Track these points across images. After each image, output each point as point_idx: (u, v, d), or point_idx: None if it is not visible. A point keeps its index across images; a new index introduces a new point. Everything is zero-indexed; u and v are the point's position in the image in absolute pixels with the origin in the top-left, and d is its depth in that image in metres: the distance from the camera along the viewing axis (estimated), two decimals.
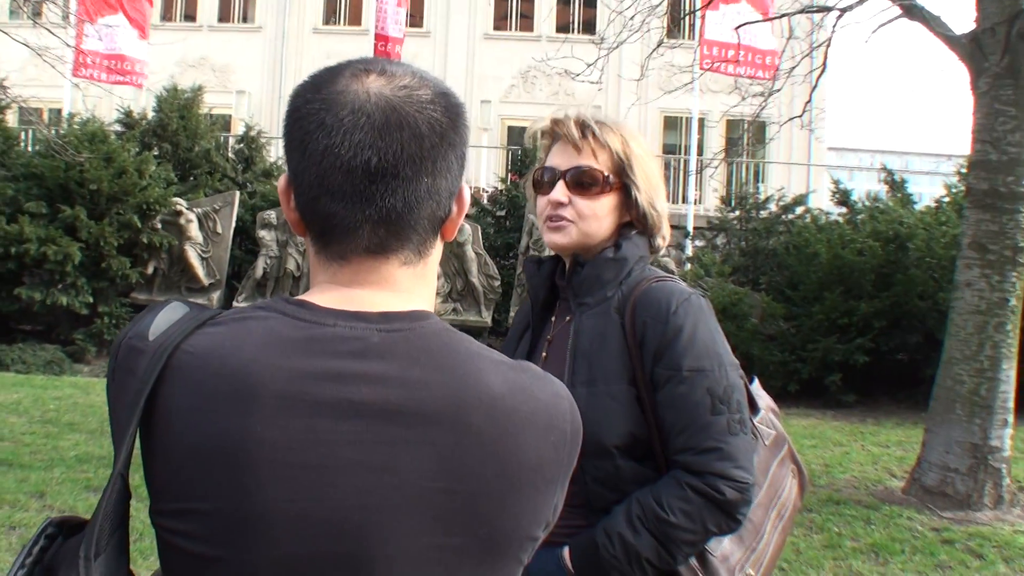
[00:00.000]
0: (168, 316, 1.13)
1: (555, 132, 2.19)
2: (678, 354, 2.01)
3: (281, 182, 1.20)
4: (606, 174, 2.12)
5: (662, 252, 2.26)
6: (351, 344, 1.09)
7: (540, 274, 2.27)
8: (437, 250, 1.22)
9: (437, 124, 1.14)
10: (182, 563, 1.08)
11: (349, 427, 1.06)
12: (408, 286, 1.17)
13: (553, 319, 2.25)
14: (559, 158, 2.17)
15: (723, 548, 2.07)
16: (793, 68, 9.96)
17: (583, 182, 2.12)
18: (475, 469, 1.08)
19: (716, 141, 21.12)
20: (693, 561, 2.03)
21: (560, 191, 2.13)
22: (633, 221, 2.17)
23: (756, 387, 2.32)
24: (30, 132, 17.33)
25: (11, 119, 16.12)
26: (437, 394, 1.08)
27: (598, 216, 2.13)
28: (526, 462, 1.11)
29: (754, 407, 2.23)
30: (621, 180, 2.13)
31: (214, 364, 1.07)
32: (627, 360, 2.05)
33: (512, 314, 13.21)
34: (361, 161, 1.10)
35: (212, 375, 1.06)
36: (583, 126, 2.13)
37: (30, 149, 15.56)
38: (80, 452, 7.65)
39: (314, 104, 1.13)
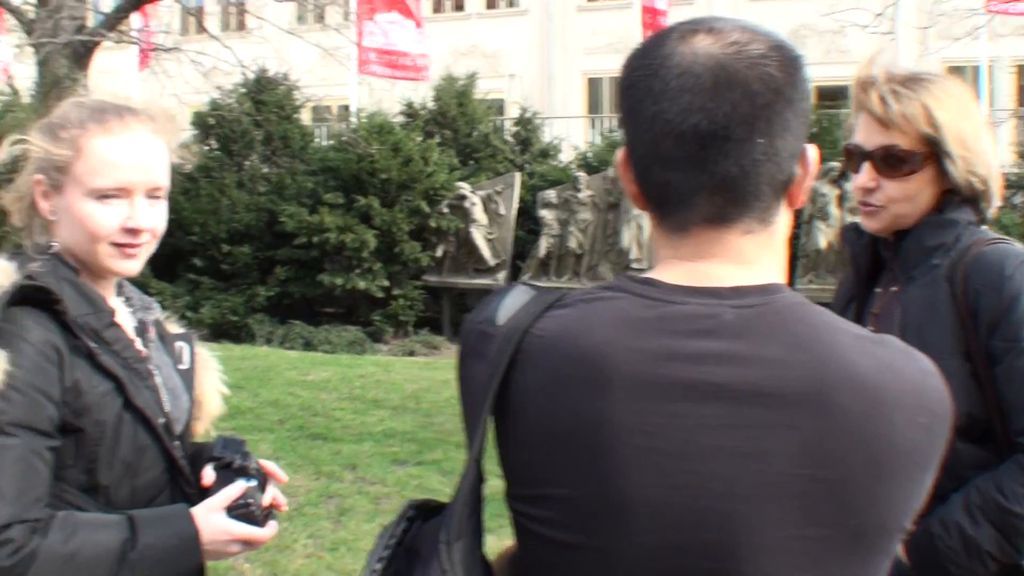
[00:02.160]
0: (515, 300, 1.12)
1: (859, 101, 2.00)
2: (1016, 324, 1.82)
3: (619, 155, 1.16)
4: (914, 152, 1.93)
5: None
6: (704, 322, 1.04)
7: (860, 243, 2.12)
8: (784, 218, 1.13)
9: (771, 80, 1.05)
10: (540, 548, 1.08)
11: (709, 411, 1.00)
12: (754, 257, 1.10)
13: (878, 290, 2.08)
14: (864, 133, 2.00)
15: None
16: None
17: (890, 163, 1.95)
18: (842, 455, 1.00)
19: (1008, 90, 19.48)
20: None
21: (866, 175, 1.98)
22: (955, 190, 1.96)
23: None
24: (323, 128, 18.47)
25: (305, 117, 17.22)
26: (798, 373, 1.00)
27: (910, 197, 1.96)
28: (897, 446, 1.02)
29: None
30: (932, 152, 1.93)
31: (565, 347, 1.05)
32: (960, 332, 1.88)
33: (798, 286, 12.77)
34: (690, 125, 1.04)
35: (564, 358, 1.04)
36: (882, 98, 1.94)
37: (324, 144, 16.57)
38: (385, 427, 8.05)
39: (641, 71, 1.08)
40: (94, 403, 1.64)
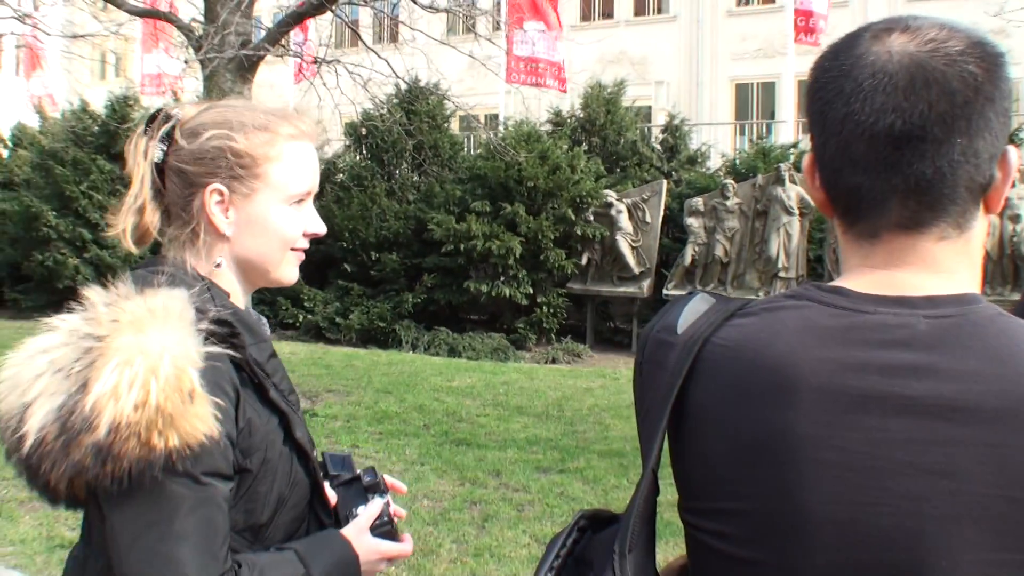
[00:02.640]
0: (695, 308, 1.10)
1: None
2: None
3: (806, 160, 1.13)
4: None
5: None
6: (896, 332, 0.99)
7: None
8: (981, 223, 1.07)
9: (971, 77, 1.00)
10: (716, 563, 1.05)
11: (900, 425, 0.96)
12: (950, 265, 1.05)
13: None
14: None
15: None
16: None
17: None
18: None
19: None
20: None
21: None
22: None
23: None
24: (471, 137, 18.73)
25: (455, 127, 17.50)
26: (996, 388, 0.95)
27: None
28: None
29: None
30: None
31: (748, 356, 1.02)
32: None
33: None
34: (884, 126, 1.00)
35: (747, 368, 1.02)
36: None
37: (472, 153, 16.80)
38: (529, 434, 8.10)
39: (832, 72, 1.05)
40: (262, 441, 1.57)
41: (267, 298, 14.29)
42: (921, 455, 0.95)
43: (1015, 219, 11.25)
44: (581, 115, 16.22)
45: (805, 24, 16.78)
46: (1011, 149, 1.06)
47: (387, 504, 1.79)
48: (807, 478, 0.97)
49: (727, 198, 13.32)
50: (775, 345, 1.01)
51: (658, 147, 16.36)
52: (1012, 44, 19.70)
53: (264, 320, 1.78)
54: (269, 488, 1.59)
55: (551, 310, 13.73)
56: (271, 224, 1.68)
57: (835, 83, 1.04)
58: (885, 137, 1.01)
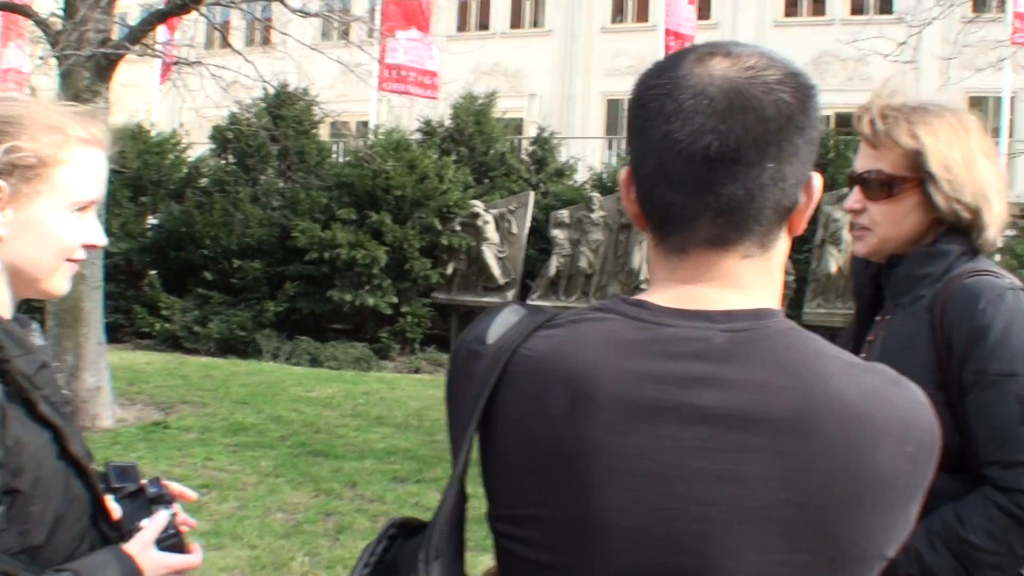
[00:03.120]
0: (506, 319, 1.11)
1: (857, 126, 2.02)
2: (984, 356, 1.80)
3: (623, 173, 1.14)
4: (897, 175, 1.93)
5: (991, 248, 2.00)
6: (693, 345, 1.02)
7: (866, 272, 2.13)
8: (783, 243, 1.11)
9: (785, 106, 1.04)
10: (519, 568, 1.07)
11: (692, 433, 0.99)
12: (751, 282, 1.08)
13: (877, 319, 2.09)
14: (859, 158, 2.02)
15: None
16: None
17: (874, 186, 1.97)
18: (824, 482, 0.98)
19: None
20: None
21: (854, 198, 2.01)
22: (943, 218, 1.95)
23: None
24: (340, 144, 18.56)
25: (323, 133, 17.30)
26: (785, 399, 0.99)
27: (893, 220, 1.97)
28: (880, 475, 1.00)
29: None
30: (918, 177, 1.92)
31: (553, 367, 1.04)
32: (936, 363, 1.86)
33: (806, 310, 12.75)
34: (700, 147, 1.03)
35: (550, 378, 1.03)
36: (871, 120, 1.96)
37: (340, 160, 16.64)
38: (388, 445, 8.05)
39: (656, 90, 1.07)
40: (32, 459, 1.47)
41: (123, 306, 13.84)
42: (711, 462, 0.98)
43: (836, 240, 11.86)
44: (451, 125, 16.26)
45: (677, 44, 17.21)
46: (815, 175, 1.10)
47: (173, 515, 1.73)
48: (603, 485, 0.99)
49: (592, 211, 13.53)
50: (578, 356, 1.03)
51: (527, 159, 16.51)
52: (870, 71, 20.59)
53: (35, 327, 1.68)
54: (44, 507, 1.50)
55: (415, 320, 13.69)
56: (51, 229, 1.57)
57: (657, 101, 1.06)
58: (701, 158, 1.03)
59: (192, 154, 16.61)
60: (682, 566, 0.99)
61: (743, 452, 0.98)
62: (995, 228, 1.96)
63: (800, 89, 1.06)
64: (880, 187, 1.96)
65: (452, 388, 1.12)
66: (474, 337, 1.11)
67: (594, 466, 1.00)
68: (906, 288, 1.98)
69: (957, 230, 1.95)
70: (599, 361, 1.02)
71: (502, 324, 1.10)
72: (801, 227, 1.12)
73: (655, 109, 1.06)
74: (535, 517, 1.04)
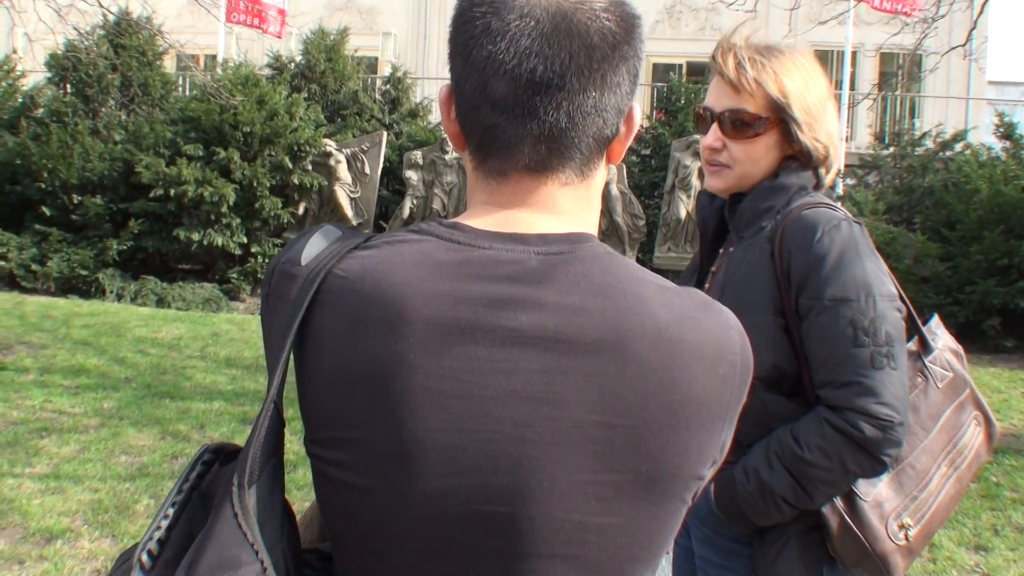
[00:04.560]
0: (321, 240, 1.09)
1: (717, 66, 2.08)
2: (820, 283, 1.91)
3: (442, 91, 1.13)
4: (761, 116, 2.02)
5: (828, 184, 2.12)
6: (507, 267, 1.03)
7: (711, 207, 2.23)
8: (601, 172, 1.14)
9: (610, 34, 1.05)
10: (335, 493, 1.05)
11: (505, 355, 1.00)
12: (569, 208, 1.10)
13: (721, 251, 2.19)
14: (715, 97, 2.09)
15: (877, 493, 1.97)
16: None
17: (736, 125, 2.04)
18: (637, 402, 1.01)
19: (869, 75, 20.23)
20: (839, 503, 1.94)
21: (714, 135, 2.07)
22: (796, 155, 2.07)
23: (935, 325, 2.19)
24: (186, 78, 17.90)
25: (169, 65, 16.66)
26: (598, 321, 1.01)
27: (754, 159, 2.06)
28: (692, 396, 1.03)
29: (926, 346, 2.09)
30: (779, 117, 2.02)
31: (366, 287, 1.02)
32: (775, 291, 1.97)
33: (656, 254, 13.10)
34: (526, 69, 1.03)
35: (364, 299, 1.02)
36: (739, 63, 2.03)
37: (187, 94, 16.07)
38: (237, 387, 7.94)
39: (481, 7, 1.06)
40: None
41: None
42: (525, 384, 0.99)
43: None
44: (302, 61, 15.87)
45: None
46: (636, 107, 1.12)
47: None
48: (415, 406, 0.99)
49: (446, 152, 13.49)
50: (391, 277, 1.02)
51: (380, 99, 16.29)
52: (721, 21, 21.01)
53: None
54: None
55: (266, 260, 13.41)
56: None
57: (483, 19, 1.05)
58: (526, 82, 1.03)
59: (26, 83, 15.76)
60: (499, 486, 1.00)
61: (557, 374, 1.00)
62: (838, 164, 2.11)
63: (625, 19, 1.07)
64: (743, 126, 2.04)
65: (267, 310, 1.09)
66: (288, 258, 1.08)
67: (408, 387, 0.99)
68: (750, 220, 2.07)
69: (797, 166, 2.06)
70: (412, 282, 1.01)
71: (316, 245, 1.08)
72: (620, 156, 1.15)
73: (481, 27, 1.05)
74: (351, 440, 1.02)
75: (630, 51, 1.08)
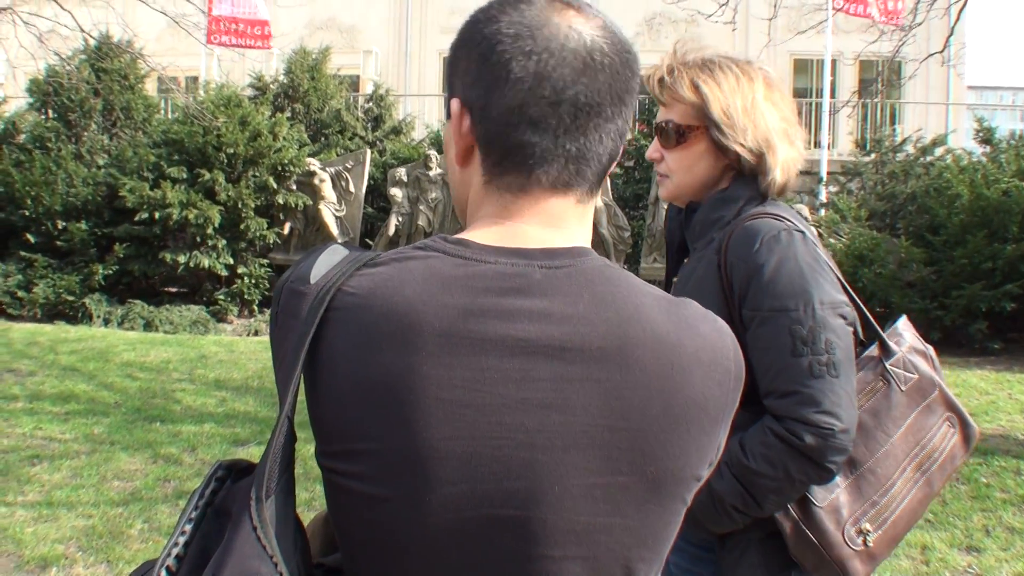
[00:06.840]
0: (328, 259, 1.12)
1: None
2: (759, 293, 1.95)
3: (455, 105, 1.18)
4: (688, 124, 2.08)
5: (788, 195, 2.15)
6: (513, 281, 1.08)
7: (677, 219, 2.27)
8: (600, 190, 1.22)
9: (627, 69, 1.14)
10: (350, 504, 1.08)
11: (514, 365, 1.04)
12: (572, 223, 1.16)
13: (685, 261, 2.23)
14: (659, 113, 2.17)
15: (834, 499, 1.99)
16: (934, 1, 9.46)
17: (667, 135, 2.12)
18: (640, 406, 1.06)
19: (849, 83, 20.37)
20: (793, 509, 1.97)
21: (652, 147, 2.16)
22: (732, 163, 2.10)
23: (902, 327, 2.20)
24: (168, 100, 17.89)
25: (151, 88, 16.65)
26: (601, 330, 1.06)
27: (686, 167, 2.12)
28: (692, 400, 1.09)
29: (886, 350, 2.11)
30: (704, 124, 2.07)
31: (376, 304, 1.06)
32: (722, 302, 2.00)
33: (643, 265, 13.13)
34: (571, 95, 1.10)
35: (374, 315, 1.05)
36: (660, 78, 2.11)
37: (169, 116, 16.06)
38: (227, 408, 7.94)
39: (512, 28, 1.12)
40: None
41: None
42: (534, 392, 1.04)
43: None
44: (284, 81, 15.89)
45: None
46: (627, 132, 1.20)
47: None
48: (430, 416, 1.03)
49: (430, 169, 13.52)
50: (402, 292, 1.06)
51: (363, 116, 16.32)
52: (701, 32, 21.13)
53: None
54: None
55: (253, 281, 13.42)
56: None
57: (518, 41, 1.11)
58: (570, 105, 1.10)
59: (8, 109, 15.73)
60: (512, 490, 1.04)
61: (564, 381, 1.05)
62: (781, 171, 2.09)
63: (631, 53, 1.16)
64: (672, 135, 2.11)
65: (277, 329, 1.12)
66: (296, 277, 1.11)
67: (422, 398, 1.03)
68: (702, 232, 2.12)
69: (748, 176, 2.09)
70: (422, 297, 1.05)
71: (324, 264, 1.11)
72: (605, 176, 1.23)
73: (516, 48, 1.10)
74: (367, 451, 1.05)
75: (635, 83, 1.17)
